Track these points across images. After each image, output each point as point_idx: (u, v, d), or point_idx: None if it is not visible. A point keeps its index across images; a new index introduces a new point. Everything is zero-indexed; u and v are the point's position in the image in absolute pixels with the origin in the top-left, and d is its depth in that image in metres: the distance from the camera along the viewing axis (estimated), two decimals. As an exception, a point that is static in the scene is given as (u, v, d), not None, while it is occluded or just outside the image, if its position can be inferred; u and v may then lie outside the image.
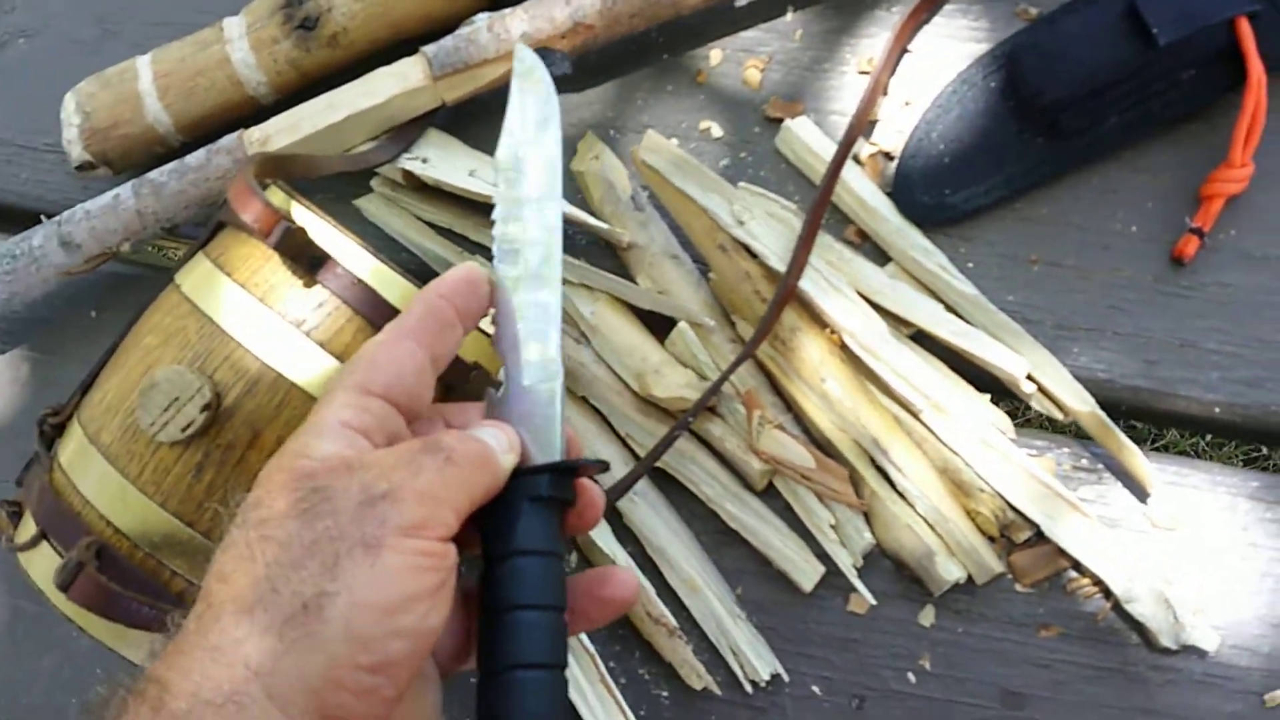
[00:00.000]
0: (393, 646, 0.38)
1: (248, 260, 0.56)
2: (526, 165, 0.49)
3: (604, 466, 0.47)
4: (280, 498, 0.40)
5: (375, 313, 0.56)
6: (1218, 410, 0.65)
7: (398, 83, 0.67)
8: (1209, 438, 1.31)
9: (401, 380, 0.44)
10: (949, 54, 0.70)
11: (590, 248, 0.71)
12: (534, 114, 0.50)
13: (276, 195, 0.57)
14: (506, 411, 0.46)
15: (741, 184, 0.69)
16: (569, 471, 0.46)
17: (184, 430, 0.54)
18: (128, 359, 0.58)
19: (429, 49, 0.67)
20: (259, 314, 0.55)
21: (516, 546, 0.44)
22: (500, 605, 0.43)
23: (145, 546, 0.56)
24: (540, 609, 0.43)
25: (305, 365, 0.55)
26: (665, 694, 0.67)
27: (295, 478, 0.40)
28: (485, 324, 0.49)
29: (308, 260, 0.55)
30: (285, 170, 0.62)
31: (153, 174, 0.69)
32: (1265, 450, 1.31)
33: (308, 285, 0.55)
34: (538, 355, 0.47)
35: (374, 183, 0.72)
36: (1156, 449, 1.25)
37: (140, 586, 0.56)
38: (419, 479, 0.40)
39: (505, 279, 0.47)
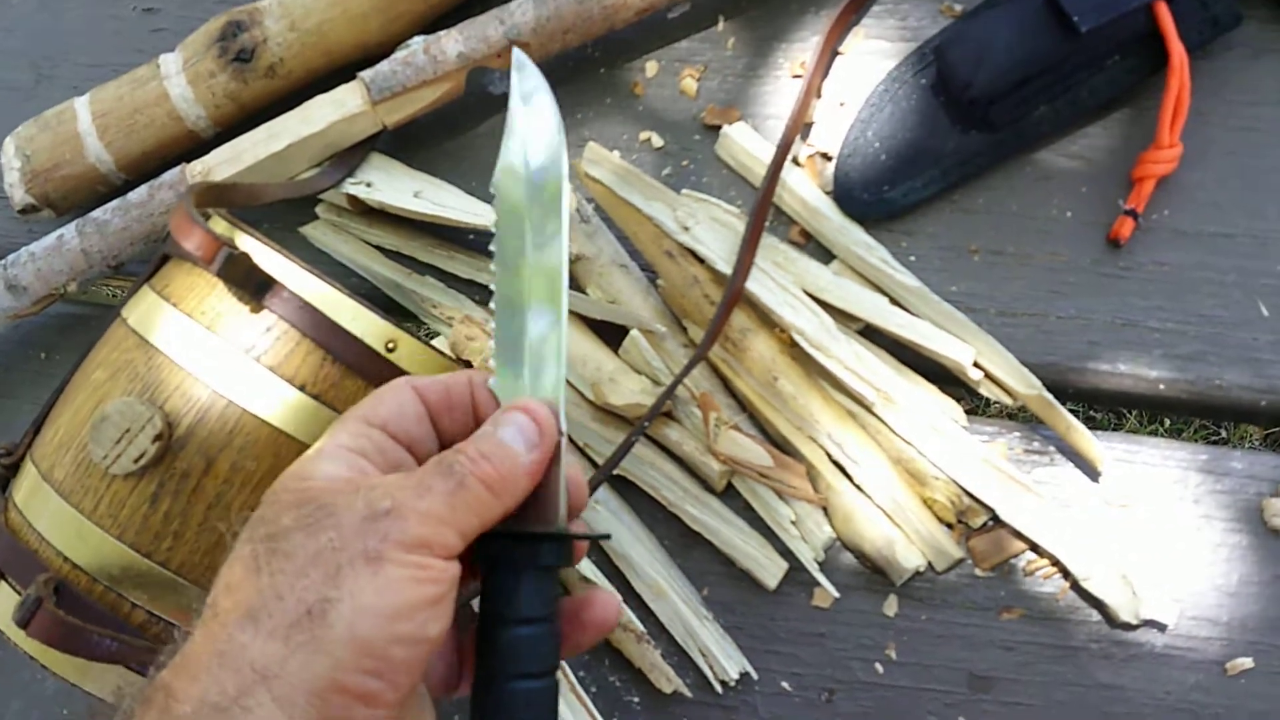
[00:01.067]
0: (393, 652, 0.39)
1: (193, 290, 0.57)
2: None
3: (606, 536, 0.47)
4: (286, 514, 0.41)
5: (325, 335, 0.56)
6: (1162, 387, 0.66)
7: (337, 109, 0.68)
8: (1168, 423, 1.33)
9: (402, 417, 0.45)
10: (879, 54, 0.71)
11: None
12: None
13: (219, 224, 0.58)
14: None
15: (684, 191, 0.70)
16: (572, 540, 0.46)
17: (136, 461, 0.54)
18: (77, 395, 0.58)
19: (366, 74, 0.68)
20: (207, 342, 0.55)
21: (518, 614, 0.44)
22: (497, 673, 0.44)
23: (104, 580, 0.56)
24: (538, 677, 0.44)
25: (256, 391, 0.55)
26: (636, 699, 0.67)
27: (300, 496, 0.41)
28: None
29: (253, 286, 0.55)
30: (227, 199, 0.62)
31: (96, 213, 0.69)
32: (1224, 434, 1.33)
33: (255, 311, 0.56)
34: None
35: (319, 209, 0.72)
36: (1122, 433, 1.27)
37: (101, 620, 0.55)
38: (424, 500, 0.41)
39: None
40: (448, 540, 0.41)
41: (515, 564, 0.44)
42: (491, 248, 0.47)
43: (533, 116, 0.49)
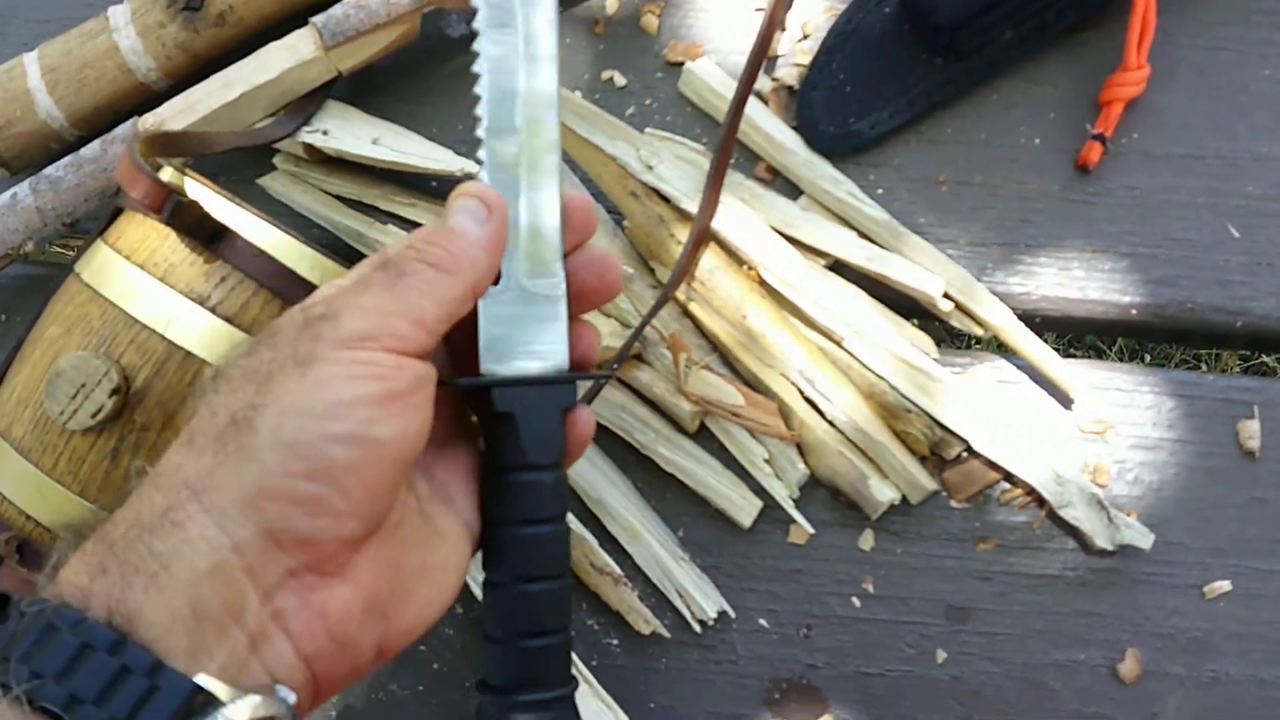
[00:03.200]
0: (330, 451, 0.36)
1: (145, 241, 0.55)
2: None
3: (610, 376, 0.46)
4: (239, 348, 0.40)
5: (282, 284, 0.55)
6: (1134, 312, 0.66)
7: (290, 56, 0.66)
8: (1148, 359, 1.33)
9: None
10: (842, -18, 0.70)
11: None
12: None
13: (169, 173, 0.57)
14: (515, 305, 0.45)
15: (648, 130, 0.69)
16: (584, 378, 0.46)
17: (94, 416, 0.53)
18: (33, 352, 0.57)
19: (318, 19, 0.66)
20: (161, 293, 0.54)
21: (521, 460, 0.44)
22: (504, 522, 0.44)
23: (67, 538, 0.55)
24: (546, 522, 0.44)
25: (214, 341, 0.54)
26: (615, 642, 0.67)
27: (259, 333, 0.40)
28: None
29: (205, 235, 0.54)
30: (177, 147, 0.61)
31: (49, 170, 0.68)
32: (1204, 367, 1.33)
33: (208, 261, 0.55)
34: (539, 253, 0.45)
35: (277, 160, 0.71)
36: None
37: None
38: (363, 296, 0.39)
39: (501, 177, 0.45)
40: (396, 330, 0.39)
41: (532, 407, 0.43)
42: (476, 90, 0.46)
43: None
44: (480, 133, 0.45)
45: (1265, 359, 1.25)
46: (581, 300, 0.46)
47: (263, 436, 0.36)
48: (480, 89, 0.45)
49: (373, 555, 0.39)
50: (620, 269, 0.47)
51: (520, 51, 0.45)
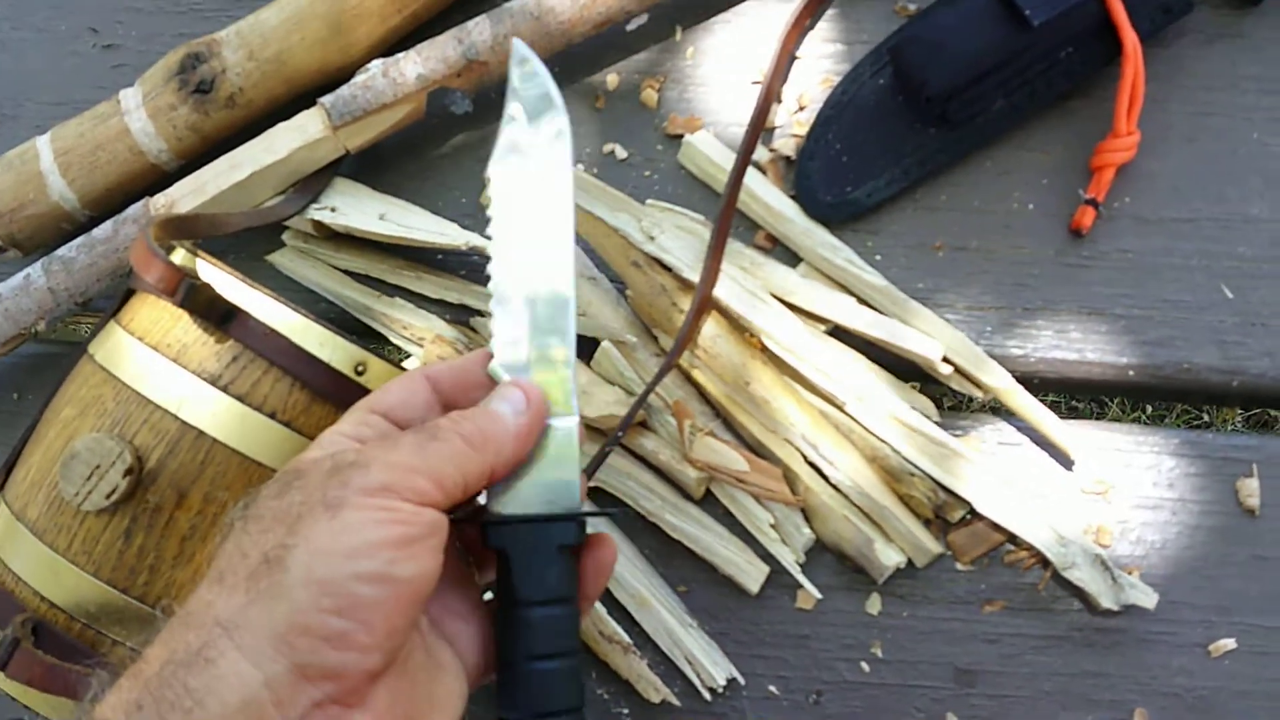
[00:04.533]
0: (357, 590, 0.38)
1: (158, 322, 0.57)
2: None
3: (615, 513, 0.48)
4: (266, 488, 0.42)
5: (292, 361, 0.56)
6: (1132, 373, 0.67)
7: (298, 136, 0.68)
8: (1150, 410, 1.33)
9: (408, 404, 0.46)
10: (836, 56, 0.71)
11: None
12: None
13: (181, 255, 0.58)
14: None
15: (649, 201, 0.70)
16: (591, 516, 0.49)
17: (108, 497, 0.54)
18: (47, 433, 0.58)
19: (326, 99, 0.68)
20: (173, 374, 0.55)
21: (533, 595, 0.45)
22: (518, 656, 0.45)
23: (82, 618, 0.56)
24: (558, 657, 0.45)
25: (226, 420, 0.55)
26: (626, 711, 0.67)
27: (282, 472, 0.42)
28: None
29: (217, 316, 0.55)
30: (189, 230, 0.62)
31: (62, 250, 0.69)
32: (1206, 418, 1.33)
33: (220, 341, 0.56)
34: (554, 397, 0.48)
35: (285, 237, 0.72)
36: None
37: (80, 658, 0.55)
38: (393, 453, 0.42)
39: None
40: (416, 484, 0.41)
41: (528, 545, 0.45)
42: (489, 233, 0.49)
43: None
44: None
45: (1269, 410, 1.25)
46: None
47: (294, 575, 0.38)
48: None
49: (389, 687, 0.41)
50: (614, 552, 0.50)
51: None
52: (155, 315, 0.57)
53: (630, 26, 0.72)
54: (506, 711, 0.46)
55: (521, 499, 0.47)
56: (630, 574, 0.67)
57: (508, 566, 0.46)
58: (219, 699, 0.37)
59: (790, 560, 0.66)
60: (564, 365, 0.48)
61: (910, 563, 0.65)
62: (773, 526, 0.66)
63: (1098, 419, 1.30)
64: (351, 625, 0.38)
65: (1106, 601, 0.64)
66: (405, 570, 0.40)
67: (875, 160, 0.68)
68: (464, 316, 0.71)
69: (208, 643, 0.38)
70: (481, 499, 0.48)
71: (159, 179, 0.72)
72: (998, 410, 0.68)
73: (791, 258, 0.69)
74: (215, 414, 0.55)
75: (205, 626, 0.38)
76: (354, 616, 0.38)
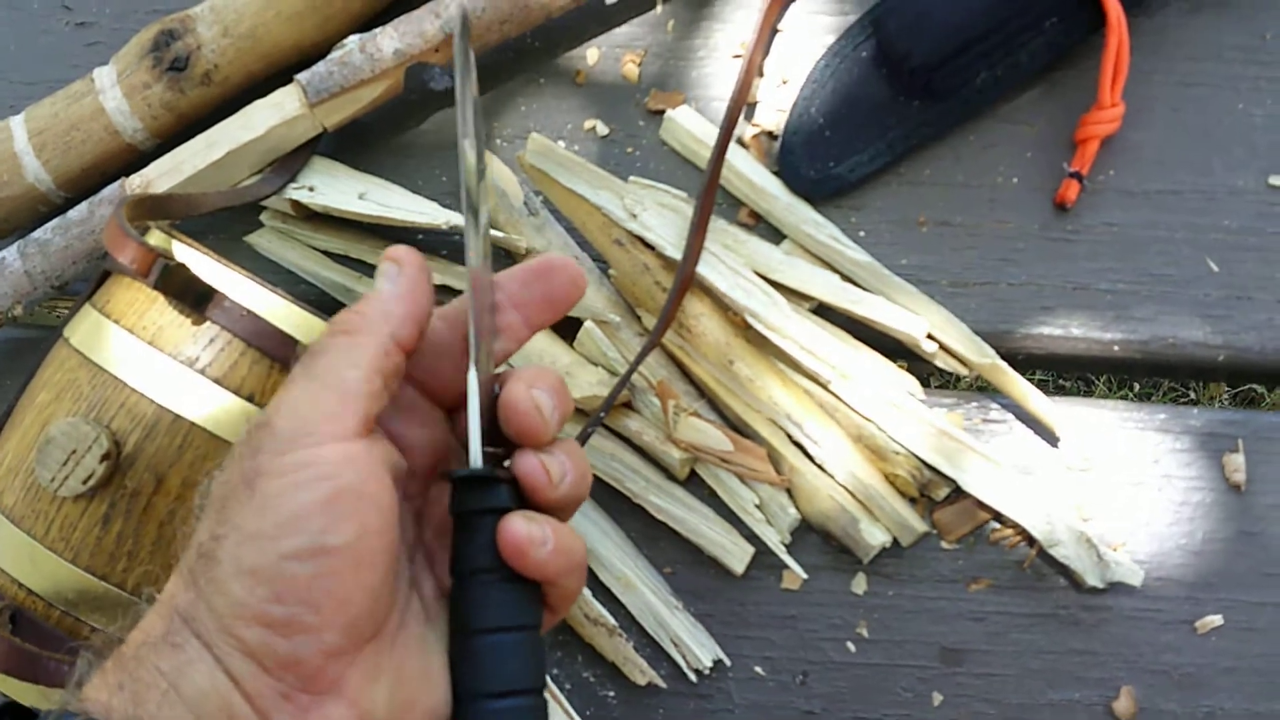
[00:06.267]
0: (289, 570, 0.36)
1: (133, 305, 0.56)
2: None
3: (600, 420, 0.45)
4: (220, 466, 0.40)
5: (269, 343, 0.55)
6: (1117, 349, 0.66)
7: (275, 113, 0.67)
8: (1137, 387, 1.34)
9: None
10: (818, 29, 0.71)
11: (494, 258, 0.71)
12: None
13: (156, 236, 0.57)
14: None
15: (631, 178, 0.69)
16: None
17: (85, 482, 0.53)
18: (23, 419, 0.57)
19: (303, 76, 0.67)
20: (149, 357, 0.54)
21: (489, 623, 0.41)
22: (472, 693, 0.41)
23: (60, 605, 0.55)
24: (519, 694, 0.41)
25: (203, 403, 0.54)
26: (612, 693, 0.67)
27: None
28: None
29: (193, 297, 0.54)
30: (164, 210, 0.62)
31: (37, 233, 0.68)
32: (1193, 395, 1.33)
33: (196, 323, 0.55)
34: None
35: (264, 217, 0.71)
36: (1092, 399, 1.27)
37: (59, 646, 0.55)
38: (286, 393, 0.39)
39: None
40: (325, 410, 0.38)
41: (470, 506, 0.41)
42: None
43: None
44: None
45: (1255, 386, 1.25)
46: (550, 306, 0.45)
47: (225, 567, 0.37)
48: None
49: (367, 666, 0.39)
50: (577, 270, 0.45)
51: None
52: (130, 298, 0.56)
53: (610, 0, 0.71)
54: (459, 687, 0.42)
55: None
56: (615, 556, 0.66)
57: (468, 531, 0.42)
58: (190, 682, 0.37)
59: (775, 540, 0.66)
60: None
61: (896, 542, 0.65)
62: (758, 507, 0.66)
63: (1085, 395, 1.31)
64: (293, 609, 0.36)
65: (1092, 579, 0.64)
66: (340, 536, 0.37)
67: (859, 135, 0.68)
68: (445, 296, 0.70)
69: (171, 630, 0.38)
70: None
71: (135, 159, 0.71)
72: (983, 388, 0.68)
73: (775, 234, 0.69)
74: (192, 397, 0.54)
75: (169, 615, 0.38)
76: (293, 600, 0.36)
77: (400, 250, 0.43)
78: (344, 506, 0.37)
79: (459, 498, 0.42)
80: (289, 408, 0.38)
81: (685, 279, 0.65)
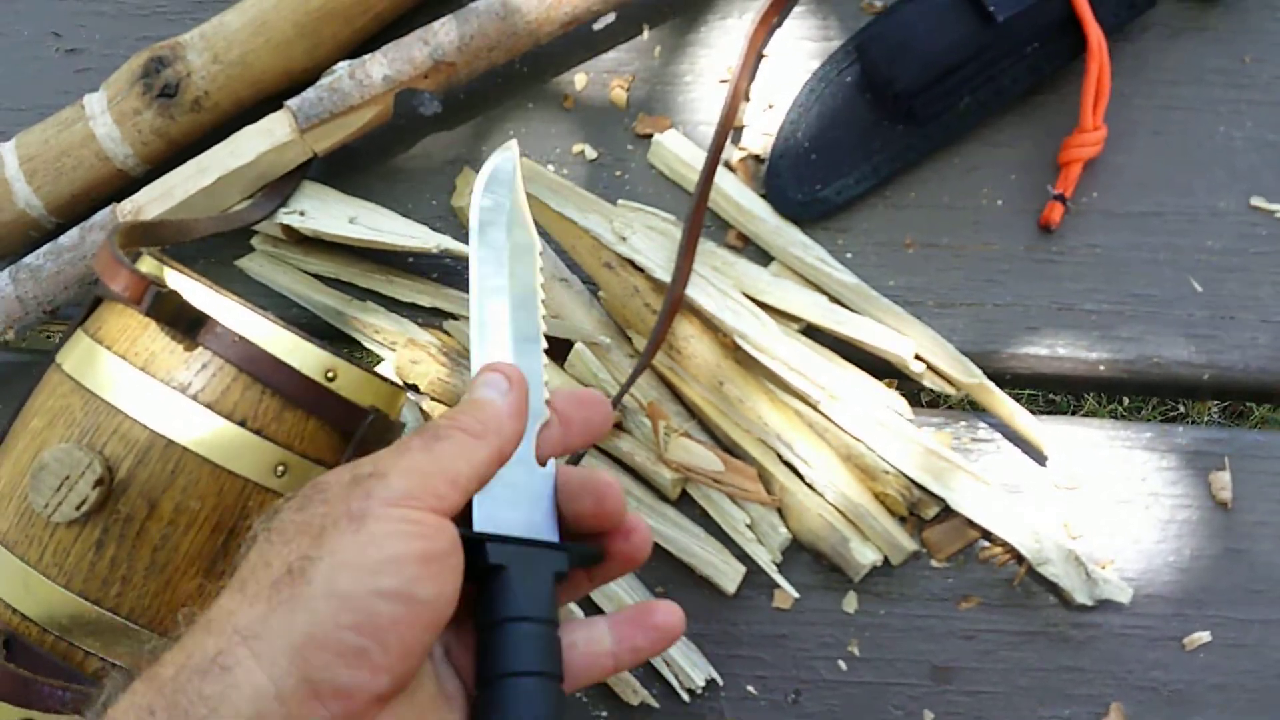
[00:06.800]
0: (377, 607, 0.38)
1: (125, 331, 0.56)
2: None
3: (598, 559, 0.47)
4: (290, 502, 0.41)
5: (262, 369, 0.55)
6: (1103, 368, 0.67)
7: (265, 139, 0.67)
8: (1126, 401, 1.34)
9: None
10: (803, 54, 0.71)
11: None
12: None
13: (148, 263, 0.57)
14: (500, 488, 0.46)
15: (620, 201, 0.70)
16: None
17: (78, 508, 0.53)
18: (16, 445, 0.57)
19: (293, 102, 0.67)
20: (142, 383, 0.55)
21: (510, 612, 0.44)
22: (496, 673, 0.43)
23: (55, 630, 0.55)
24: (536, 675, 0.43)
25: (195, 429, 0.54)
26: (604, 713, 0.67)
27: (305, 486, 0.42)
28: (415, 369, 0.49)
29: (185, 324, 0.55)
30: (155, 237, 0.62)
31: (28, 258, 0.68)
32: (1183, 409, 1.34)
33: (189, 349, 0.55)
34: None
35: (255, 241, 0.71)
36: (1081, 416, 1.28)
37: (53, 671, 0.55)
38: (405, 458, 0.41)
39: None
40: (436, 489, 0.40)
41: (525, 562, 0.44)
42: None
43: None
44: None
45: (1244, 401, 1.26)
46: (579, 437, 0.49)
47: (316, 587, 0.38)
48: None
49: (394, 715, 0.40)
50: (619, 491, 0.48)
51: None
52: (122, 323, 0.56)
53: (597, 26, 0.72)
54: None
55: (502, 521, 0.46)
56: (606, 576, 0.67)
57: (503, 583, 0.44)
58: (232, 708, 0.36)
59: (767, 560, 0.66)
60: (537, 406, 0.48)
61: (886, 560, 0.66)
62: (749, 526, 0.66)
63: (1074, 412, 1.31)
64: (368, 643, 0.38)
65: (1081, 596, 0.64)
66: (426, 590, 0.39)
67: (844, 158, 0.68)
68: (437, 320, 0.71)
69: (225, 650, 0.37)
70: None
71: (126, 184, 0.71)
72: (971, 407, 0.68)
73: (763, 257, 0.69)
74: (185, 423, 0.54)
75: (225, 634, 0.38)
76: (372, 634, 0.38)
77: (506, 367, 0.46)
78: (434, 567, 0.40)
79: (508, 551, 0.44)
80: (406, 470, 0.41)
81: (674, 301, 0.66)
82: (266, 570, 0.39)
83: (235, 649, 0.37)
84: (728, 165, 0.70)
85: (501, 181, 0.51)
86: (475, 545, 0.44)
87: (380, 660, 0.38)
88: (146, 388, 0.55)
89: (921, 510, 0.65)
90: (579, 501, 0.47)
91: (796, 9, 0.72)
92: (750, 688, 0.66)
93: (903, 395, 0.67)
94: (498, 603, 0.44)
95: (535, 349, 0.49)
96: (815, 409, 0.66)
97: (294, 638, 0.37)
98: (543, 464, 0.47)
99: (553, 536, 0.47)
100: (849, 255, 0.69)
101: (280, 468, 0.56)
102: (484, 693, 0.44)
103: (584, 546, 0.47)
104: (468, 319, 0.68)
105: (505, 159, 0.51)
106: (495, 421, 0.44)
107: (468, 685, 0.45)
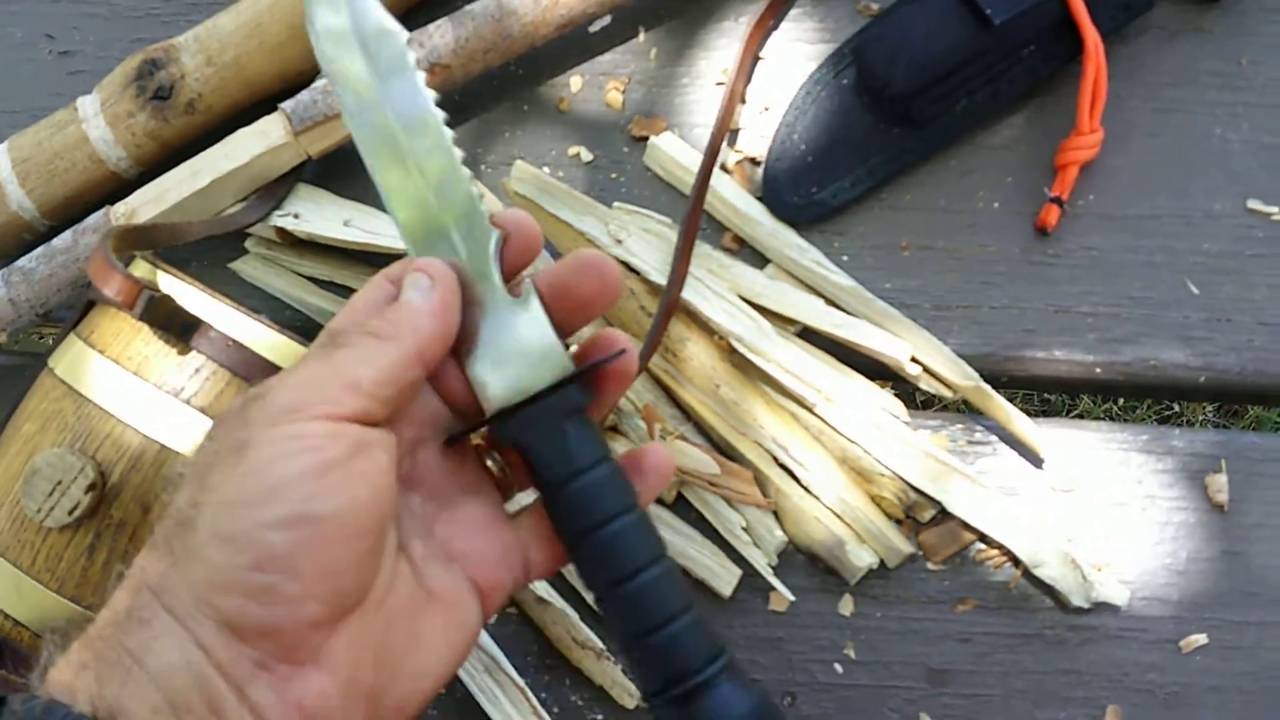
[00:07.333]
0: (269, 539, 0.36)
1: (118, 335, 0.56)
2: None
3: (619, 353, 0.43)
4: (199, 442, 0.39)
5: (255, 372, 0.56)
6: (1099, 371, 0.67)
7: (260, 141, 0.67)
8: (1121, 401, 1.34)
9: (376, 303, 0.42)
10: (800, 56, 0.71)
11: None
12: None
13: (141, 267, 0.57)
14: (490, 338, 0.43)
15: (615, 204, 0.70)
16: (590, 371, 0.43)
17: (71, 513, 0.53)
18: (8, 449, 0.57)
19: (287, 105, 0.67)
20: (134, 388, 0.55)
21: (577, 466, 0.42)
22: (584, 526, 0.42)
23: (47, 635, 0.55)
24: (625, 513, 0.43)
25: (188, 433, 0.54)
26: (600, 717, 0.66)
27: (209, 426, 0.40)
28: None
29: (178, 328, 0.55)
30: (149, 240, 0.62)
31: (21, 261, 0.68)
32: (1178, 407, 1.34)
33: (181, 353, 0.55)
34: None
35: (249, 244, 0.71)
36: (1074, 418, 1.28)
37: (45, 677, 0.55)
38: (295, 372, 0.39)
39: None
40: (327, 396, 0.37)
41: (538, 427, 0.42)
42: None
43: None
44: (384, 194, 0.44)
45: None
46: (584, 308, 0.44)
47: (202, 534, 0.36)
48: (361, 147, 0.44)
49: (350, 635, 0.38)
50: (615, 267, 0.44)
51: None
52: (115, 328, 0.56)
53: (593, 28, 0.72)
54: (593, 588, 0.43)
55: (511, 382, 0.43)
56: (602, 579, 0.66)
57: (529, 450, 0.43)
58: (155, 658, 0.35)
59: (763, 563, 0.66)
60: (483, 237, 0.43)
61: (882, 563, 0.65)
62: (744, 529, 0.66)
63: (1069, 412, 1.31)
64: (273, 578, 0.36)
65: (1077, 599, 0.64)
66: (327, 505, 0.36)
67: (841, 161, 0.68)
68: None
69: (139, 605, 0.36)
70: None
71: (119, 187, 0.71)
72: (967, 410, 0.68)
73: (759, 259, 0.69)
74: (178, 427, 0.54)
75: (138, 590, 0.37)
76: (273, 568, 0.35)
77: (434, 264, 0.42)
78: (333, 478, 0.37)
79: (534, 414, 0.42)
80: (290, 385, 0.38)
81: (670, 304, 0.66)
82: (165, 523, 0.38)
83: (149, 604, 0.36)
84: (724, 168, 0.70)
85: None
86: (492, 427, 0.43)
87: (295, 589, 0.36)
88: (139, 392, 0.55)
89: (917, 513, 0.65)
90: (582, 285, 0.43)
91: (793, 11, 0.72)
92: (746, 691, 0.66)
93: (899, 398, 0.67)
94: (541, 469, 0.43)
95: (453, 179, 0.43)
96: (811, 412, 0.66)
97: (194, 588, 0.36)
98: (518, 293, 0.43)
99: (562, 364, 0.43)
100: (845, 258, 0.69)
101: (274, 472, 0.55)
102: (572, 555, 0.43)
103: (598, 361, 0.43)
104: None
105: None
106: (410, 321, 0.40)
107: (474, 572, 0.43)
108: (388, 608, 0.40)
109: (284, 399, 0.37)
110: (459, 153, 0.44)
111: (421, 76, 0.44)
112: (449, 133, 0.44)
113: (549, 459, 0.43)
